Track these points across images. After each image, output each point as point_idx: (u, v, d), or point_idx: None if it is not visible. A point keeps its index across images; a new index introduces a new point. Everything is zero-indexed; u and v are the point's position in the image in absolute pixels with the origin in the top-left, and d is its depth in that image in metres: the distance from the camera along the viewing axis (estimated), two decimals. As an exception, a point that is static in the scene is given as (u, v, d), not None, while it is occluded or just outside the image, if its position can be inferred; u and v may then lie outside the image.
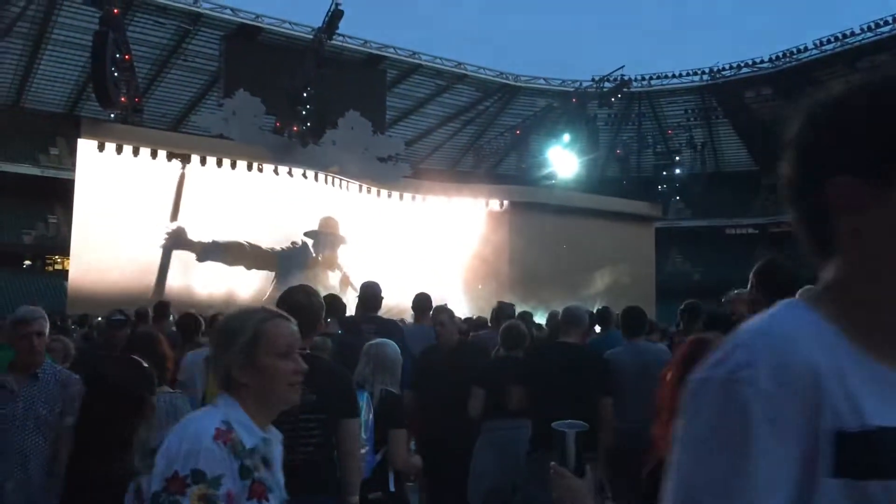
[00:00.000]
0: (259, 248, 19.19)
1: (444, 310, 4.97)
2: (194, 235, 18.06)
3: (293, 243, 20.04)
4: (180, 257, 17.83)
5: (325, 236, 20.74)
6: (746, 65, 31.55)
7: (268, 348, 1.72)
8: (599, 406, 4.26)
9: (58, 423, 3.17)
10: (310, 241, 20.40)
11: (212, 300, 16.24)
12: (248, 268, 18.74)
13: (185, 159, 18.57)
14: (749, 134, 34.43)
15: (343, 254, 20.98)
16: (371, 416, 3.45)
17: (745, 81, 31.82)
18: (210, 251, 18.22)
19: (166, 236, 17.74)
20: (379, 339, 3.90)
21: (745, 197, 35.51)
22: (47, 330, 3.38)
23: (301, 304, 3.05)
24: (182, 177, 18.40)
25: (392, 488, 3.55)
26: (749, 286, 3.30)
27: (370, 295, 5.43)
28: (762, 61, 31.18)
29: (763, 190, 35.62)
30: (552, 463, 1.62)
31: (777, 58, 30.76)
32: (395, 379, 3.76)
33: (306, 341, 2.98)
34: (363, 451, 3.33)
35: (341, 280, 19.96)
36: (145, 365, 2.80)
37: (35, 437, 3.18)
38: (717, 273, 28.95)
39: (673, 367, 1.79)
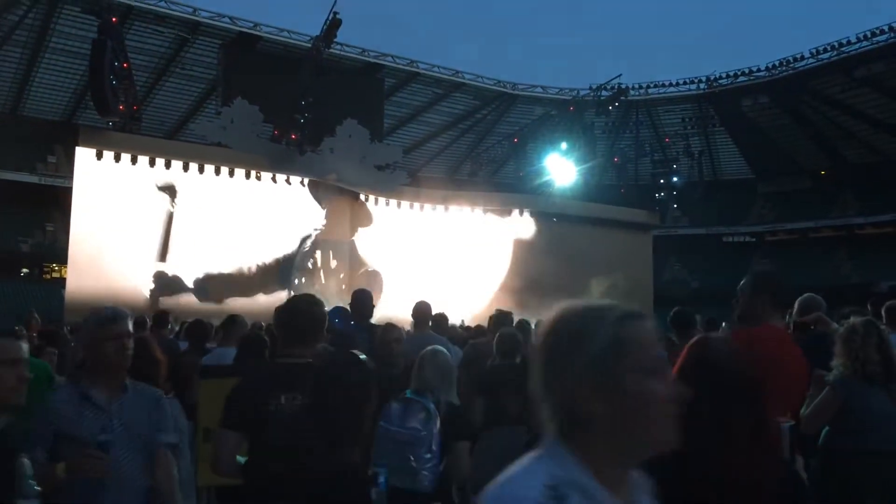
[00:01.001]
0: (258, 261, 19.18)
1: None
2: (189, 257, 17.96)
3: (297, 250, 20.03)
4: (179, 267, 17.81)
5: (329, 243, 20.76)
6: (743, 73, 31.68)
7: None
8: None
9: (152, 442, 2.75)
10: (314, 249, 20.39)
11: (210, 310, 16.24)
12: (251, 287, 18.66)
13: (184, 167, 18.59)
14: (746, 142, 34.54)
15: (349, 261, 20.99)
16: (437, 426, 3.44)
17: (741, 90, 31.93)
18: (207, 288, 18.15)
19: (154, 282, 17.57)
20: (434, 347, 3.87)
21: (742, 205, 35.60)
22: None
23: (304, 311, 3.07)
24: (177, 185, 18.39)
25: (456, 501, 3.54)
26: (744, 294, 3.30)
27: (363, 303, 5.47)
28: (758, 70, 31.30)
29: (759, 198, 35.74)
30: None
31: (773, 66, 30.89)
32: (454, 389, 3.76)
33: (309, 351, 2.99)
34: (429, 463, 3.31)
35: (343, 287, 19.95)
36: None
37: (132, 462, 2.66)
38: (714, 281, 28.98)
39: (678, 371, 1.74)
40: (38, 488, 2.12)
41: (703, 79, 32.41)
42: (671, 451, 1.12)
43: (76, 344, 5.92)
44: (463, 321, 12.85)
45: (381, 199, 22.38)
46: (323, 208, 20.88)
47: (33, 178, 26.80)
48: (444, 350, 3.85)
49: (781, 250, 33.49)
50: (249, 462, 2.80)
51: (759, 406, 1.67)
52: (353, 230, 21.38)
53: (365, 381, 2.60)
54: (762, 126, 33.14)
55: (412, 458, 3.37)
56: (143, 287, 16.99)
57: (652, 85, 32.82)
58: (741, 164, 36.27)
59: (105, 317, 2.76)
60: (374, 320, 5.59)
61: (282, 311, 3.09)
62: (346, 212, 21.55)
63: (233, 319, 5.99)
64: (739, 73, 31.78)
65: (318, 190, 20.87)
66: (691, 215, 33.69)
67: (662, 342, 1.10)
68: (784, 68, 30.54)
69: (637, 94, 32.34)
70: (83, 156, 17.48)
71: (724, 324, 5.73)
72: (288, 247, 19.99)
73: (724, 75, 32.12)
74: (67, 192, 18.30)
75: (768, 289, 3.27)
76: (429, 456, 3.39)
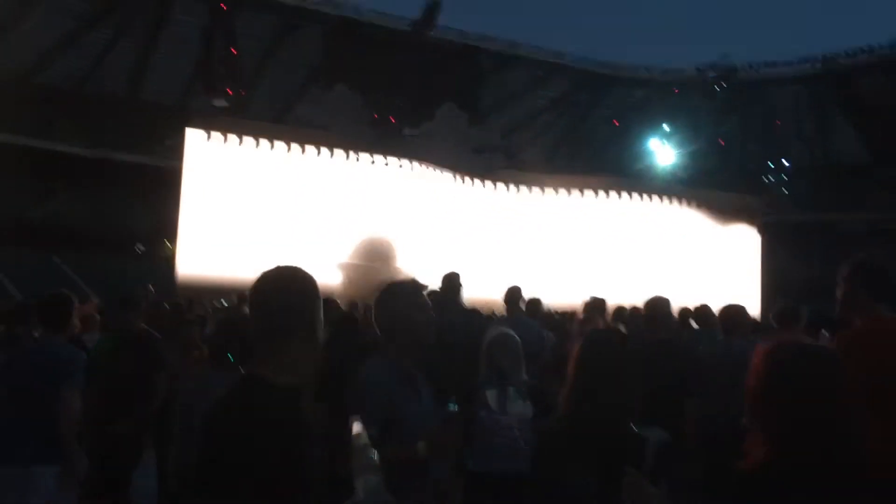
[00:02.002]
0: (353, 241, 19.51)
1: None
2: (289, 236, 18.32)
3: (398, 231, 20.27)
4: (281, 246, 18.34)
5: (426, 225, 20.90)
6: (863, 51, 29.79)
7: None
8: (686, 406, 4.13)
9: None
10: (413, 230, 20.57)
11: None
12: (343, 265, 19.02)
13: (287, 148, 19.12)
14: (864, 125, 32.57)
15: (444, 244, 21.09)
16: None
17: (861, 69, 30.08)
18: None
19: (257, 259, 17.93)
20: (501, 330, 3.86)
21: (858, 191, 33.66)
22: None
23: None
24: (280, 166, 18.92)
25: None
26: (845, 284, 3.10)
27: (452, 285, 5.49)
28: (881, 47, 29.36)
29: (877, 184, 33.68)
30: (627, 467, 1.59)
31: (897, 43, 28.95)
32: (523, 371, 3.75)
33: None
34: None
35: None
36: None
37: None
38: (826, 270, 27.55)
39: (752, 377, 1.63)
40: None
41: (819, 57, 30.69)
42: None
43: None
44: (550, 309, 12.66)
45: (479, 182, 22.38)
46: (420, 190, 21.04)
47: (148, 160, 28.09)
48: (512, 333, 3.80)
49: (901, 239, 31.55)
50: None
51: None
52: (451, 212, 21.46)
53: None
54: (882, 107, 31.16)
55: (522, 441, 3.35)
56: (248, 263, 17.57)
57: (763, 64, 31.35)
58: (858, 147, 34.25)
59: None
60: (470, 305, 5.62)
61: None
62: (444, 194, 21.65)
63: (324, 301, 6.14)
64: (859, 50, 29.92)
65: (416, 172, 21.04)
66: (803, 202, 32.11)
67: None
68: (910, 45, 28.62)
69: (747, 74, 30.98)
70: (193, 138, 18.23)
71: (824, 332, 5.40)
72: (387, 228, 20.26)
73: (842, 53, 30.32)
74: (178, 172, 19.12)
75: (867, 277, 3.06)
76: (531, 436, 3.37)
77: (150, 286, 11.36)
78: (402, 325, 2.57)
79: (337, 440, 2.14)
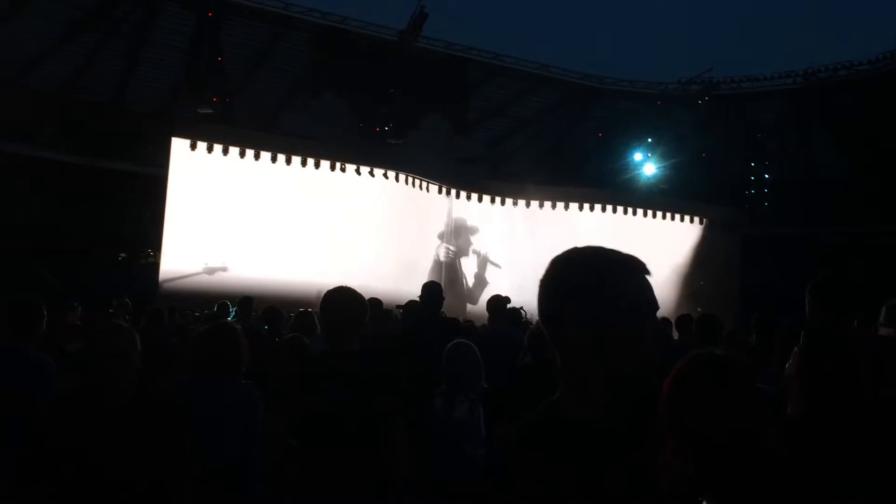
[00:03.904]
0: (338, 252, 19.53)
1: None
2: (273, 246, 18.41)
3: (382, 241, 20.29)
4: (263, 256, 18.33)
5: (411, 236, 20.94)
6: (844, 67, 30.19)
7: None
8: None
9: None
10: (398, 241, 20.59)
11: (292, 299, 16.69)
12: (329, 276, 19.03)
13: (272, 158, 19.13)
14: (844, 139, 32.96)
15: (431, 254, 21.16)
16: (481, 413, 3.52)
17: (842, 84, 30.47)
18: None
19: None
20: (459, 341, 3.92)
21: (840, 204, 34.03)
22: None
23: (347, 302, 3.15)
24: (265, 176, 18.91)
25: None
26: (807, 301, 3.20)
27: (433, 295, 5.54)
28: (861, 64, 29.78)
29: (858, 198, 34.07)
30: None
31: (877, 60, 29.33)
32: (482, 379, 3.81)
33: (344, 337, 3.06)
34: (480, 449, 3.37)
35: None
36: None
37: None
38: (806, 283, 27.79)
39: (666, 384, 1.74)
40: None
41: (800, 72, 31.07)
42: None
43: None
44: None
45: (464, 193, 22.48)
46: (406, 200, 21.11)
47: (132, 167, 27.97)
48: (470, 343, 3.87)
49: (879, 253, 31.88)
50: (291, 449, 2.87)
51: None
52: (436, 223, 21.53)
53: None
54: (863, 122, 31.57)
55: (468, 445, 3.41)
56: (231, 273, 17.58)
57: (744, 79, 31.68)
58: (839, 161, 34.64)
59: None
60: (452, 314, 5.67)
61: (325, 301, 3.14)
62: (430, 205, 21.73)
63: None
64: (840, 65, 30.31)
65: (401, 182, 21.11)
66: (784, 214, 32.41)
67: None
68: (888, 62, 28.98)
69: (728, 88, 31.29)
70: (178, 146, 18.22)
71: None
72: (371, 238, 20.30)
73: (822, 69, 30.71)
74: (162, 180, 19.06)
75: (825, 293, 3.17)
76: (479, 442, 3.43)
77: (127, 299, 11.37)
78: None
79: None
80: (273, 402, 2.98)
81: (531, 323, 9.71)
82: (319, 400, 2.85)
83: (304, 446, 2.83)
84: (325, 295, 3.18)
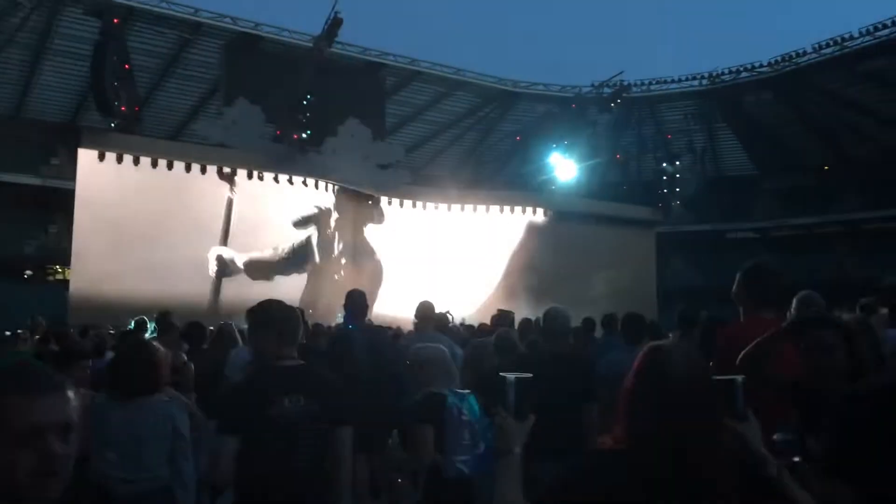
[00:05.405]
0: (261, 262, 19.22)
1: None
2: (191, 258, 18.11)
3: (299, 250, 20.04)
4: (180, 268, 17.81)
5: (331, 242, 20.76)
6: (746, 69, 31.53)
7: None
8: (584, 412, 4.28)
9: None
10: (314, 249, 20.37)
11: (212, 310, 16.28)
12: (251, 287, 18.67)
13: (186, 168, 18.61)
14: (749, 138, 34.42)
15: (351, 260, 20.98)
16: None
17: (744, 86, 31.81)
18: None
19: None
20: (432, 345, 3.92)
21: (746, 201, 35.50)
22: None
23: (290, 315, 3.10)
24: (180, 186, 18.39)
25: None
26: (735, 287, 3.34)
27: (357, 303, 5.49)
28: (761, 66, 31.16)
29: (763, 194, 35.63)
30: (497, 407, 1.79)
31: (776, 62, 30.75)
32: (456, 384, 3.84)
33: (290, 350, 3.03)
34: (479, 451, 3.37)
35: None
36: None
37: None
38: (718, 278, 28.76)
39: (629, 378, 1.77)
40: None
41: (706, 75, 32.28)
42: None
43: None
44: (464, 320, 12.83)
45: (384, 199, 22.40)
46: (325, 208, 20.89)
47: (36, 180, 26.80)
48: (443, 347, 3.88)
49: (785, 246, 33.40)
50: (243, 466, 2.80)
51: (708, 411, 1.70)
52: (356, 229, 21.38)
53: None
54: (765, 122, 33.03)
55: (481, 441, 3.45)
56: (144, 288, 16.97)
57: (654, 81, 32.72)
58: (744, 160, 36.14)
59: None
60: (377, 321, 5.62)
61: (264, 314, 3.10)
62: (349, 211, 21.56)
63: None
64: (742, 68, 31.64)
65: (321, 190, 20.89)
66: (695, 212, 33.60)
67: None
68: (786, 64, 30.41)
69: (639, 90, 32.25)
70: (85, 157, 17.52)
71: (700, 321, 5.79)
72: (289, 247, 20.01)
73: (726, 71, 31.99)
74: (70, 193, 18.31)
75: (756, 281, 3.30)
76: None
77: (40, 317, 10.86)
78: None
79: None
80: (224, 418, 2.89)
81: (458, 327, 9.73)
82: (278, 413, 2.82)
83: (258, 461, 2.79)
84: (263, 307, 3.11)
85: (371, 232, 21.62)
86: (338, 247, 21.01)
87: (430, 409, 3.47)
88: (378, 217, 22.01)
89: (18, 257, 27.03)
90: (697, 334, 5.42)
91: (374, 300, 18.76)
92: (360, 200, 21.91)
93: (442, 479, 3.36)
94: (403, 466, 3.58)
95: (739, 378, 1.90)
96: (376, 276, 20.50)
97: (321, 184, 20.80)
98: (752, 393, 1.94)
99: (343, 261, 21.04)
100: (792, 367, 2.96)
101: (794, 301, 4.36)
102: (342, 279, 20.29)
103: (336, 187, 21.20)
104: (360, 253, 21.31)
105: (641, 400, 1.68)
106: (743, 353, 2.91)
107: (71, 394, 1.31)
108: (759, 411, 1.96)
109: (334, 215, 21.04)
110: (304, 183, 20.40)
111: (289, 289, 18.08)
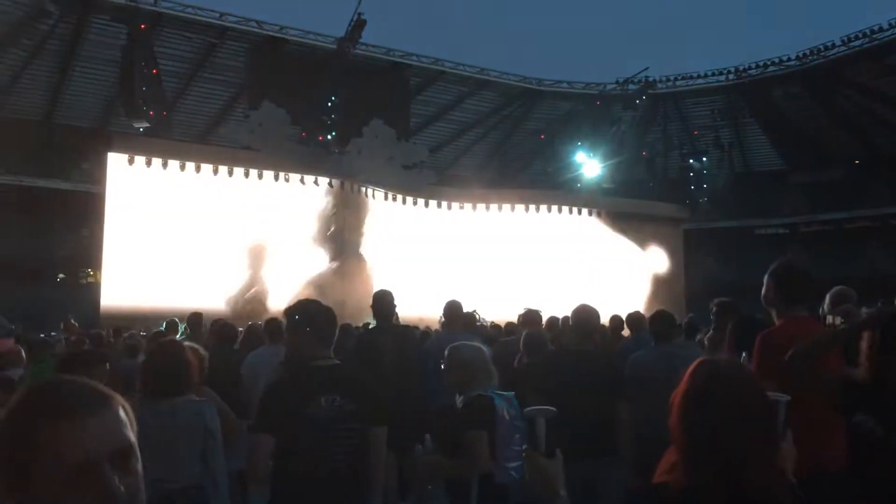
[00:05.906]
0: (287, 263, 19.33)
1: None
2: (219, 260, 18.26)
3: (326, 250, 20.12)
4: (209, 270, 17.98)
5: (357, 243, 20.80)
6: (773, 63, 31.14)
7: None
8: (618, 411, 4.24)
9: None
10: (342, 249, 20.44)
11: (242, 311, 16.44)
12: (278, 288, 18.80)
13: (213, 171, 18.78)
14: (777, 133, 33.99)
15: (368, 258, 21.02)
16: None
17: (771, 80, 31.41)
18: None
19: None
20: (466, 343, 3.83)
21: (775, 197, 35.04)
22: None
23: (327, 316, 3.11)
24: (207, 189, 18.56)
25: None
26: (764, 290, 3.25)
27: (384, 303, 5.50)
28: (789, 59, 30.75)
29: (792, 189, 35.14)
30: (524, 446, 1.74)
31: (804, 55, 30.32)
32: (495, 380, 3.73)
33: (326, 350, 3.04)
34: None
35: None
36: None
37: None
38: (747, 274, 28.46)
39: (679, 394, 1.69)
40: None
41: (732, 69, 31.93)
42: None
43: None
44: (490, 321, 12.80)
45: (409, 199, 22.43)
46: (351, 209, 20.96)
47: (67, 185, 27.20)
48: (481, 346, 3.83)
49: (815, 242, 32.92)
50: (278, 465, 2.83)
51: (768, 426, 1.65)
52: (381, 230, 21.42)
53: None
54: (793, 116, 32.57)
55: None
56: (175, 290, 17.15)
57: (680, 77, 32.43)
58: (772, 155, 35.70)
59: None
60: (404, 321, 5.64)
61: (301, 313, 3.11)
62: (375, 212, 21.61)
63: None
64: (769, 62, 31.25)
65: (346, 190, 20.97)
66: (722, 208, 33.26)
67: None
68: (815, 57, 29.99)
69: (664, 86, 31.99)
70: (115, 161, 17.75)
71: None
72: (317, 248, 20.10)
73: (753, 65, 31.61)
74: (100, 198, 18.57)
75: (787, 281, 3.22)
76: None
77: (73, 320, 11.03)
78: None
79: None
80: (260, 417, 2.92)
81: (486, 326, 9.73)
82: (315, 412, 2.83)
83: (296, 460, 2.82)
84: (300, 307, 3.13)
85: (397, 232, 21.65)
86: (364, 247, 21.07)
87: (482, 413, 3.25)
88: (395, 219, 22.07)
89: (51, 261, 27.45)
90: (731, 327, 5.32)
91: (400, 300, 18.82)
92: (383, 201, 21.97)
93: (495, 485, 3.16)
94: (440, 473, 3.36)
95: (784, 399, 1.85)
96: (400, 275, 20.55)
97: (347, 184, 20.88)
98: (801, 393, 1.88)
99: (370, 261, 21.09)
100: (839, 367, 2.92)
101: (828, 297, 4.30)
102: (369, 279, 20.35)
103: (364, 188, 21.26)
104: (384, 253, 21.37)
105: (698, 428, 1.60)
106: (791, 352, 2.82)
107: (122, 411, 1.08)
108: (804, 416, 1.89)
109: (361, 216, 21.10)
110: (330, 184, 20.48)
111: (318, 290, 18.17)
